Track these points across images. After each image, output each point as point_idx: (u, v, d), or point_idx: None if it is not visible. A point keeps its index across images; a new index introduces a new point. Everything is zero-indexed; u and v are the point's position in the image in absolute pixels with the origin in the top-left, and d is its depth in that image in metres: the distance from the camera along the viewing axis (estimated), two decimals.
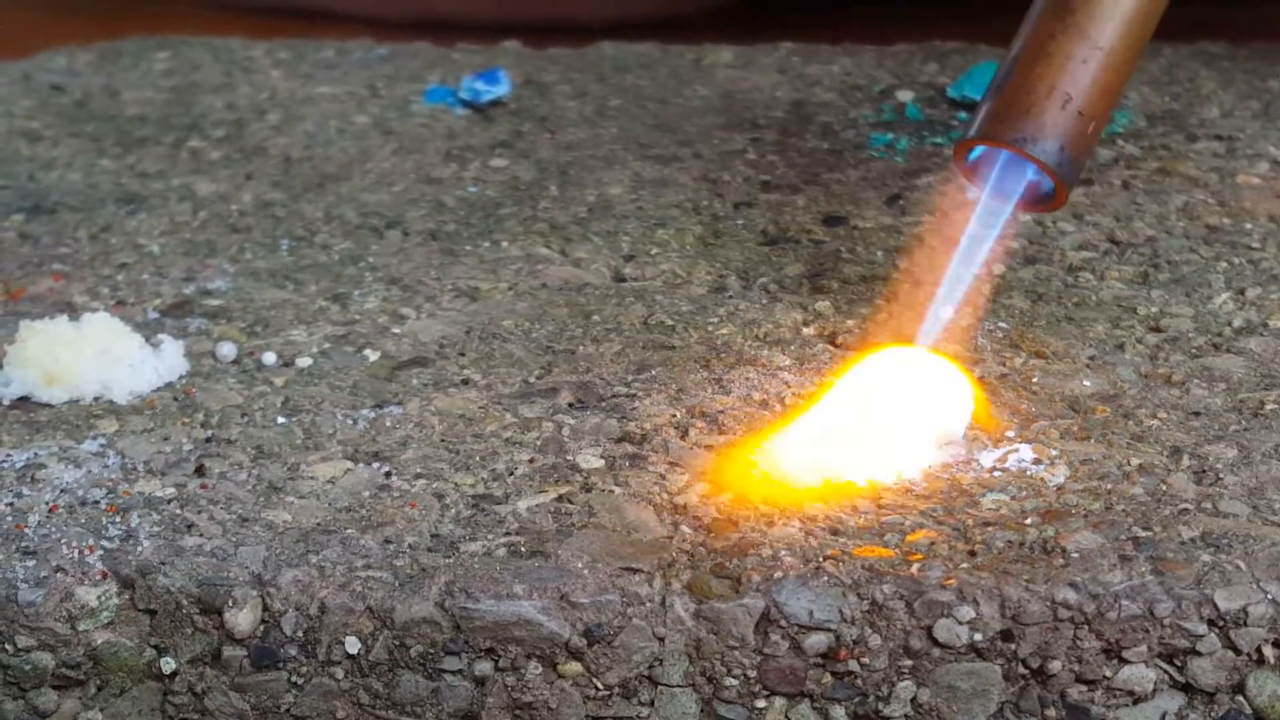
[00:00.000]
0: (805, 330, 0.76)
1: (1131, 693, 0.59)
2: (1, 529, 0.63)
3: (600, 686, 0.60)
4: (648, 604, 0.60)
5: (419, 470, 0.66)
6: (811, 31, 1.12)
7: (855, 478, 0.65)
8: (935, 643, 0.59)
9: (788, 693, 0.60)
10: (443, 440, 0.68)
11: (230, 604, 0.60)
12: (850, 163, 0.92)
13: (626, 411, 0.70)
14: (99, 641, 0.61)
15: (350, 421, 0.70)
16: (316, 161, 0.95)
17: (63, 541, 0.62)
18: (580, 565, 0.60)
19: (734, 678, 0.60)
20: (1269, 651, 0.59)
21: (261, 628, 0.60)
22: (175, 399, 0.71)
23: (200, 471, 0.66)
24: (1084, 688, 0.59)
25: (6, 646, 0.60)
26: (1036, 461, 0.66)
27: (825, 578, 0.60)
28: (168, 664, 0.61)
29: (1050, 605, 0.59)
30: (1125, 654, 0.59)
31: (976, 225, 0.71)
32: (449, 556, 0.61)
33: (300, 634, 0.60)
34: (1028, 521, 0.63)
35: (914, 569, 0.60)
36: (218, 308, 0.79)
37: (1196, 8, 0.98)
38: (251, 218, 0.88)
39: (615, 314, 0.77)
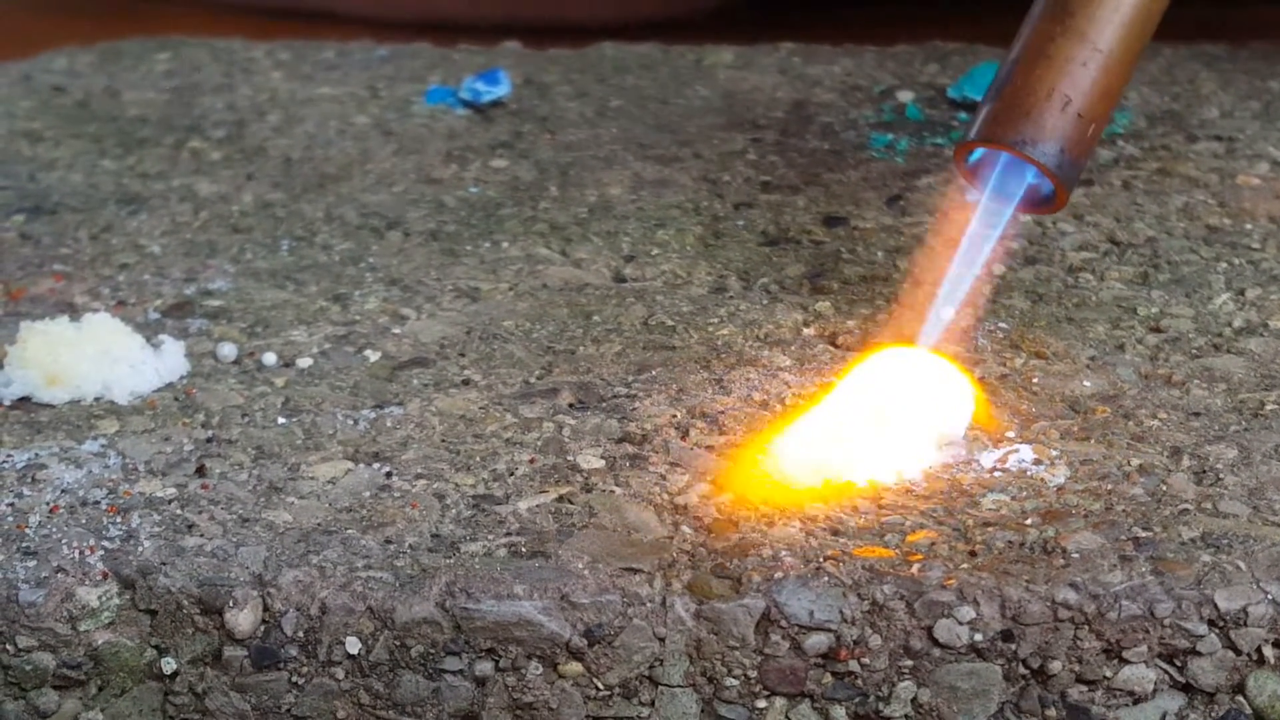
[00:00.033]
0: (806, 331, 0.76)
1: (1132, 693, 0.59)
2: (2, 529, 0.63)
3: (601, 687, 0.60)
4: (648, 604, 0.60)
5: (419, 470, 0.66)
6: (812, 32, 1.12)
7: (856, 478, 0.65)
8: (936, 643, 0.59)
9: (788, 693, 0.60)
10: (443, 440, 0.68)
11: (231, 604, 0.60)
12: (851, 163, 0.92)
13: (627, 412, 0.70)
14: (100, 642, 0.61)
15: (351, 422, 0.70)
16: (317, 162, 0.95)
17: (63, 542, 0.62)
18: (581, 565, 0.60)
19: (734, 678, 0.60)
20: (1269, 652, 0.59)
21: (262, 628, 0.60)
22: (176, 399, 0.71)
23: (201, 472, 0.66)
24: (1084, 688, 0.59)
25: (7, 647, 0.60)
26: (1037, 462, 0.66)
27: (826, 578, 0.60)
28: (168, 664, 0.61)
29: (1050, 605, 0.59)
30: (1125, 654, 0.59)
31: (977, 226, 0.71)
32: (450, 557, 0.61)
33: (301, 634, 0.60)
34: (1028, 522, 0.63)
35: (914, 569, 0.60)
36: (218, 308, 0.79)
37: (1196, 8, 0.98)
38: (252, 218, 0.88)
39: (615, 314, 0.77)
